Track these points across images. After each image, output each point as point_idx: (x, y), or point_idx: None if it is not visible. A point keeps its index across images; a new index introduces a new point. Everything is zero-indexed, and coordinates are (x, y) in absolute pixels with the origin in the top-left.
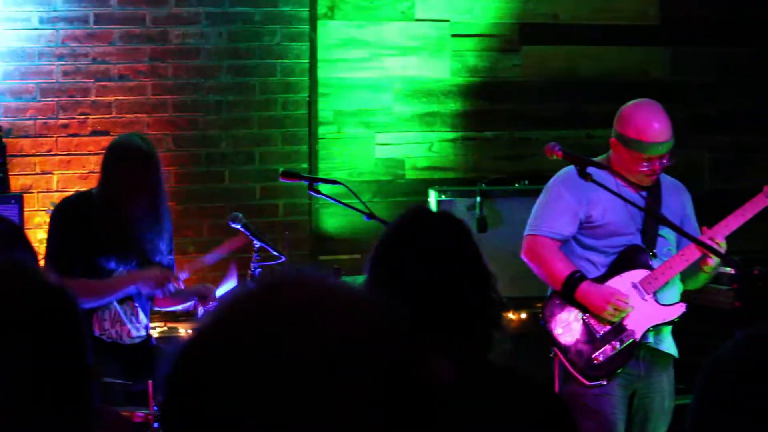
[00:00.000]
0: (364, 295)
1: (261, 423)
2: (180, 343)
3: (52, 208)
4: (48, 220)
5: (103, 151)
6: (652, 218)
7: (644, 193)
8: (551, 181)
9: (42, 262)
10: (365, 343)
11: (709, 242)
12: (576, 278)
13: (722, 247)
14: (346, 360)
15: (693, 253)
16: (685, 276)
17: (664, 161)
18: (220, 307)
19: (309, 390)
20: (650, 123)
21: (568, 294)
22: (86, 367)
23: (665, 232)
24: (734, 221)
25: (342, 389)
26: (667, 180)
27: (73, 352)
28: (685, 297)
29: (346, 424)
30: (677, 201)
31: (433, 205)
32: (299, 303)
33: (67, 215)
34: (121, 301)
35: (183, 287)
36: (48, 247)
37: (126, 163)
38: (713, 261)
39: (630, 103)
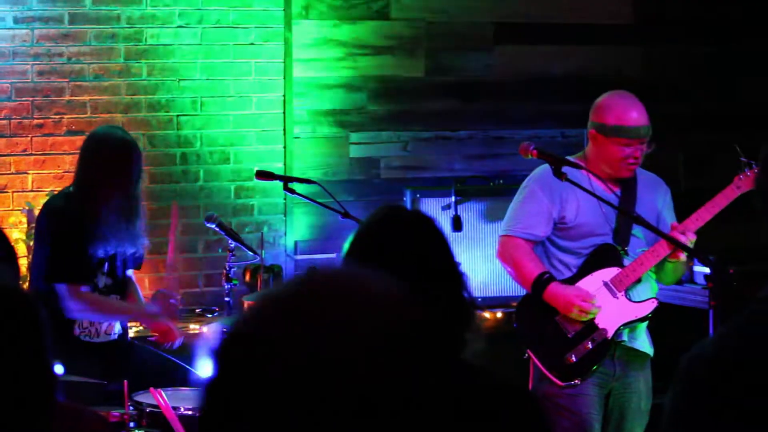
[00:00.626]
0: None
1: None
2: (219, 343)
3: (27, 207)
4: (23, 219)
5: (79, 151)
6: (626, 217)
7: (618, 192)
8: (526, 180)
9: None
10: (410, 337)
11: (680, 237)
12: (544, 279)
13: (691, 243)
14: (393, 355)
15: (664, 248)
16: (659, 270)
17: (644, 148)
18: (263, 305)
19: (355, 388)
20: (629, 109)
21: (538, 295)
22: (48, 370)
23: (638, 231)
24: (706, 214)
25: (389, 385)
26: (644, 175)
27: (35, 356)
28: (661, 296)
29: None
30: (653, 197)
31: (408, 204)
32: (341, 300)
33: (61, 221)
34: (105, 295)
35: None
36: (52, 257)
37: (108, 152)
38: (683, 255)
39: (604, 94)
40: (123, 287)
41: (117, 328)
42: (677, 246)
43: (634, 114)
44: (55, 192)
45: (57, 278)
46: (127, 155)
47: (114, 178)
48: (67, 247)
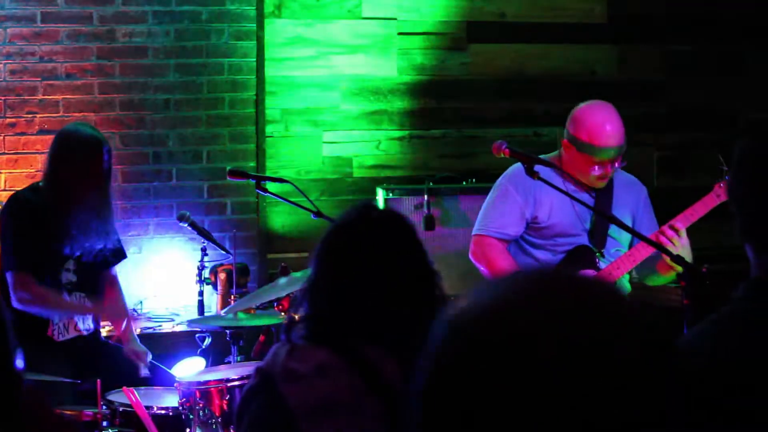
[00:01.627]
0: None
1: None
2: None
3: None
4: None
5: (48, 148)
6: (601, 218)
7: (593, 193)
8: (499, 179)
9: None
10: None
11: (663, 238)
12: None
13: (682, 236)
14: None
15: (641, 252)
16: (649, 274)
17: (616, 164)
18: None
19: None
20: (602, 127)
21: None
22: (12, 372)
23: (615, 232)
24: (683, 221)
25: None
26: (621, 177)
27: None
28: (633, 294)
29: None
30: (630, 198)
31: (380, 203)
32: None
33: (22, 210)
34: (69, 292)
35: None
36: (7, 245)
37: (78, 150)
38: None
39: (583, 104)
40: (92, 285)
41: (88, 324)
42: (655, 247)
43: (608, 131)
44: None
45: (7, 266)
46: (97, 153)
47: (84, 176)
48: (22, 236)
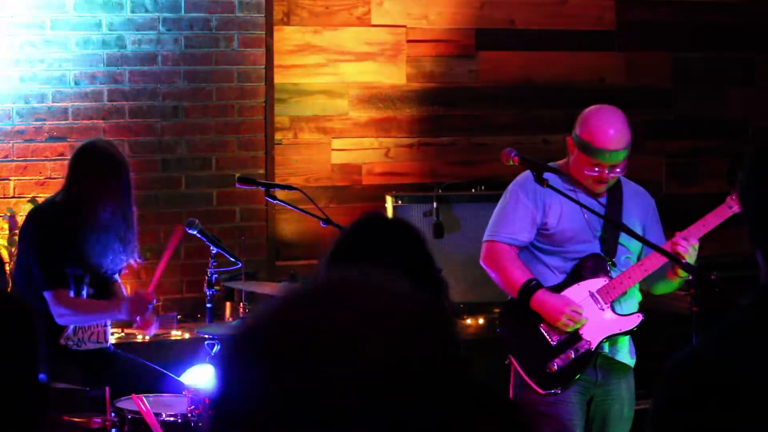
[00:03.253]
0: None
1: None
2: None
3: (9, 214)
4: (5, 226)
5: (60, 157)
6: (611, 225)
7: (603, 200)
8: (510, 186)
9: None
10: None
11: (678, 247)
12: (531, 286)
13: (694, 248)
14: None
15: (653, 262)
16: (655, 282)
17: (616, 170)
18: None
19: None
20: (605, 129)
21: (524, 302)
22: (35, 380)
23: (625, 240)
24: (695, 233)
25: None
26: (629, 186)
27: (25, 365)
28: (643, 302)
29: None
30: (639, 208)
31: (389, 210)
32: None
33: (46, 226)
34: None
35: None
36: (36, 263)
37: (97, 169)
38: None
39: (593, 106)
40: (106, 295)
41: (107, 335)
42: (669, 257)
43: (609, 134)
44: (37, 198)
45: (45, 286)
46: (118, 173)
47: (104, 196)
48: (52, 255)
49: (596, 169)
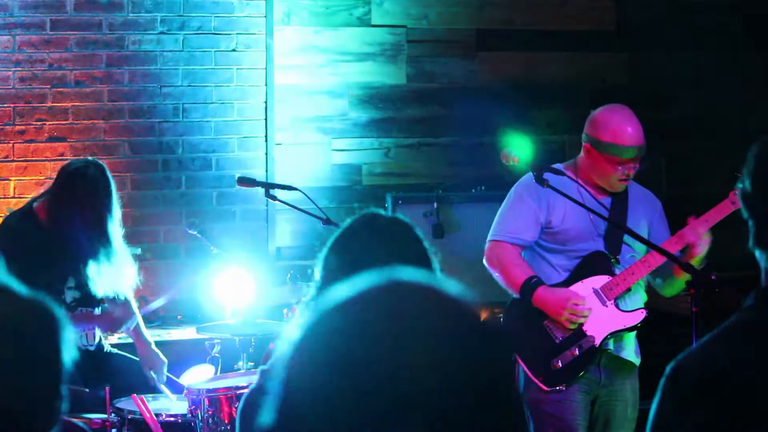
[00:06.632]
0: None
1: None
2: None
3: (9, 214)
4: None
5: (60, 158)
6: (613, 225)
7: (608, 200)
8: (514, 186)
9: None
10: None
11: (688, 238)
12: (532, 283)
13: (706, 238)
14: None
15: (656, 259)
16: (664, 281)
17: (637, 166)
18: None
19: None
20: (625, 127)
21: (526, 299)
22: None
23: (630, 238)
24: (701, 227)
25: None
26: (635, 188)
27: (50, 367)
28: (645, 303)
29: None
30: (645, 209)
31: (390, 211)
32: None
33: (11, 240)
34: (73, 309)
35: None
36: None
37: (75, 188)
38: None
39: (602, 108)
40: (97, 298)
41: (96, 338)
42: (667, 256)
43: (630, 133)
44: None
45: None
46: (94, 204)
47: (82, 214)
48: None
49: (620, 167)
